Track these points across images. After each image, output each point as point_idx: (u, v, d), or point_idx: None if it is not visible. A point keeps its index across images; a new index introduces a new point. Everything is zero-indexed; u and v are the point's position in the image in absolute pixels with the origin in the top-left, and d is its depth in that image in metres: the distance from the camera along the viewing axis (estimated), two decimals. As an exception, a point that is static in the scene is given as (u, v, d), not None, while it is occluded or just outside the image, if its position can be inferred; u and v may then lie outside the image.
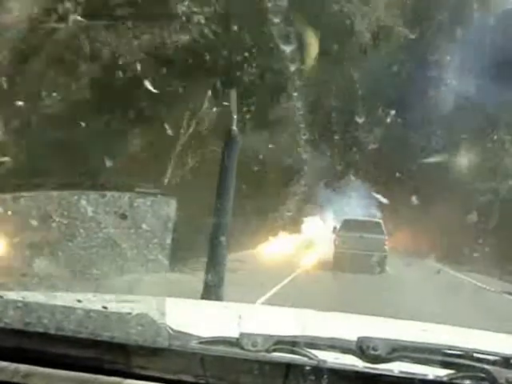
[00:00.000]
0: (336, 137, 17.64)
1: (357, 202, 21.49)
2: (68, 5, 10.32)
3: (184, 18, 11.43)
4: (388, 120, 16.12)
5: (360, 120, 15.21)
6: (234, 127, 4.07)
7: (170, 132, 12.51)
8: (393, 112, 16.27)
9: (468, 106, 21.20)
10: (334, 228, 18.85)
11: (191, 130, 14.06)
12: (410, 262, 17.62)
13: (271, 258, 15.84)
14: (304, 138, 14.55)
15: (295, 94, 11.48)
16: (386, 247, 17.63)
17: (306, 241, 19.66)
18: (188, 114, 13.86)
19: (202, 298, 3.69)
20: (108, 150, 10.42)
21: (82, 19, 10.27)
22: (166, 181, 13.47)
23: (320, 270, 15.25)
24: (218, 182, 3.97)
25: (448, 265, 19.44)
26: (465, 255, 19.11)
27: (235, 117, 4.11)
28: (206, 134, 14.42)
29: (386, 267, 16.66)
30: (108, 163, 9.81)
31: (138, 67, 11.01)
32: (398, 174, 19.11)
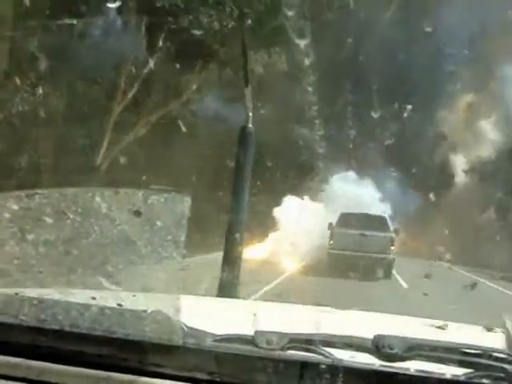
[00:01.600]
0: (352, 131, 17.09)
1: (368, 197, 18.82)
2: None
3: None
4: (405, 115, 15.78)
5: (375, 115, 14.85)
6: (250, 124, 4.05)
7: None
8: (409, 107, 15.95)
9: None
10: (330, 224, 15.48)
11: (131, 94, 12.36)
12: (428, 268, 12.27)
13: (261, 259, 13.52)
14: (319, 133, 14.05)
15: (310, 89, 11.20)
16: (392, 248, 14.40)
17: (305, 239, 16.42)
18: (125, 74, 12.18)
19: (218, 295, 3.68)
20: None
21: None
22: (99, 161, 11.90)
23: (309, 276, 12.47)
24: (233, 179, 3.97)
25: (476, 271, 15.90)
26: (495, 258, 17.05)
27: (250, 114, 4.09)
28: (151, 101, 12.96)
29: (399, 279, 13.63)
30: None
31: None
32: (413, 170, 18.77)
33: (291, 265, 14.30)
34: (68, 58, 11.25)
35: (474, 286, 11.66)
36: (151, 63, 11.97)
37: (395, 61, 18.86)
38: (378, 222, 15.00)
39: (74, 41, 11.47)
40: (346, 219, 15.08)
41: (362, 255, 13.64)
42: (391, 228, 15.10)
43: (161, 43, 11.64)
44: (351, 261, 13.39)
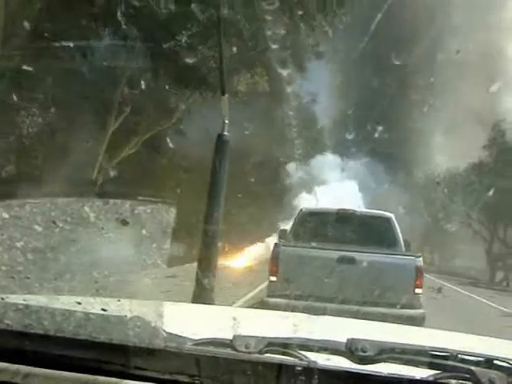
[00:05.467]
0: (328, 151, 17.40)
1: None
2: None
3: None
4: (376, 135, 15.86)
5: (350, 136, 15.10)
6: (226, 132, 4.01)
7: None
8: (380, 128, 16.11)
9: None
10: (281, 232, 7.99)
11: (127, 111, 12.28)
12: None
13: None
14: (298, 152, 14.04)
15: (291, 113, 11.19)
16: (419, 292, 6.55)
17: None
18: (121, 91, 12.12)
19: (193, 301, 3.60)
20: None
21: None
22: (94, 175, 11.87)
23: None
24: (208, 188, 3.89)
25: (446, 278, 16.24)
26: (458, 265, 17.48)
27: (227, 122, 4.04)
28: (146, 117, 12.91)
29: None
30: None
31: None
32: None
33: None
34: (66, 78, 11.24)
35: (439, 289, 12.47)
36: (144, 85, 12.06)
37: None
38: (378, 231, 7.34)
39: (72, 60, 11.43)
40: (310, 224, 7.40)
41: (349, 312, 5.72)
42: (402, 243, 7.33)
43: (153, 66, 11.69)
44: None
